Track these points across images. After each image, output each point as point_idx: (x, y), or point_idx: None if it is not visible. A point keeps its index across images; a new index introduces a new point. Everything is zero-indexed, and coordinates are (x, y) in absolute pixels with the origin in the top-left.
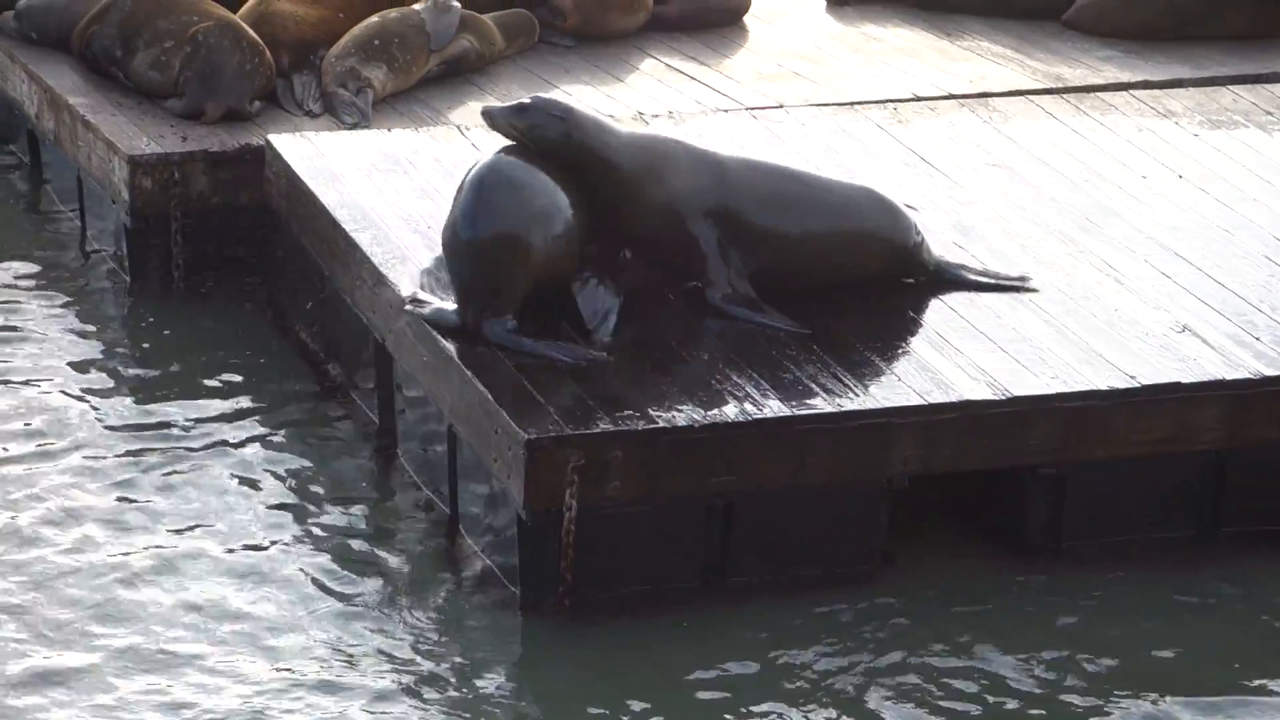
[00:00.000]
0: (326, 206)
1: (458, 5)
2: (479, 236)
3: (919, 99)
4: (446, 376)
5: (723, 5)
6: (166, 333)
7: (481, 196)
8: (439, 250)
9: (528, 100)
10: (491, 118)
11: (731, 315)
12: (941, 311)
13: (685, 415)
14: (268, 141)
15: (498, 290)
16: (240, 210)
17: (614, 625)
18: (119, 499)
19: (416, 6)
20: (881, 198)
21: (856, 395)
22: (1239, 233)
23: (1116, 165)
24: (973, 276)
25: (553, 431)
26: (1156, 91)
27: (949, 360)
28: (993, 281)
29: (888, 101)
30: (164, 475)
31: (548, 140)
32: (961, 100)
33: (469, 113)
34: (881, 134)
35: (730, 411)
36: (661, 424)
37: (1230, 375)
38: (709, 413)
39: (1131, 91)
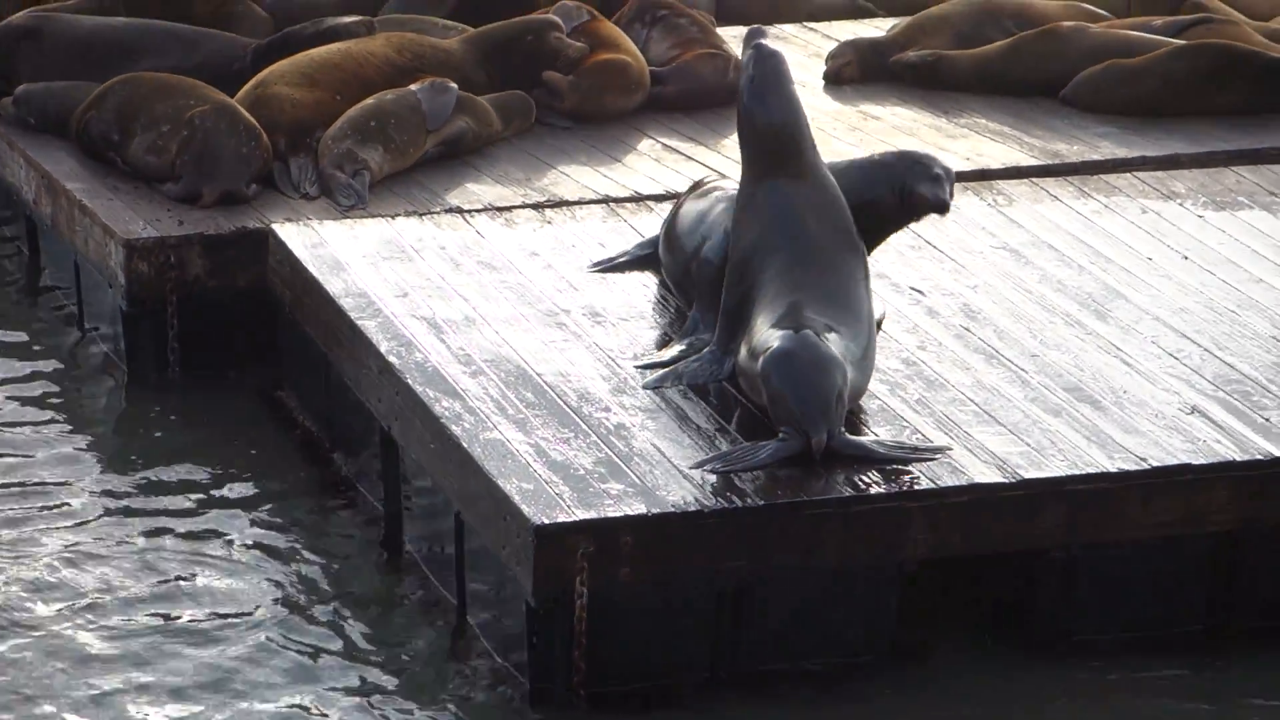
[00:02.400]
0: (332, 295)
1: (454, 86)
2: None
3: None
4: (453, 463)
5: (720, 84)
6: (163, 418)
7: None
8: (446, 336)
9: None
10: None
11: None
12: (950, 394)
13: (696, 499)
14: (271, 230)
15: None
16: (237, 294)
17: (626, 715)
18: (114, 590)
19: (413, 87)
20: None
21: (867, 479)
22: (1246, 313)
23: (1122, 247)
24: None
25: (562, 518)
26: (1160, 173)
27: (959, 443)
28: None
29: None
30: (162, 566)
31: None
32: (965, 183)
33: (467, 194)
34: None
35: (740, 495)
36: (672, 508)
37: (1240, 457)
38: (720, 496)
39: (1135, 173)
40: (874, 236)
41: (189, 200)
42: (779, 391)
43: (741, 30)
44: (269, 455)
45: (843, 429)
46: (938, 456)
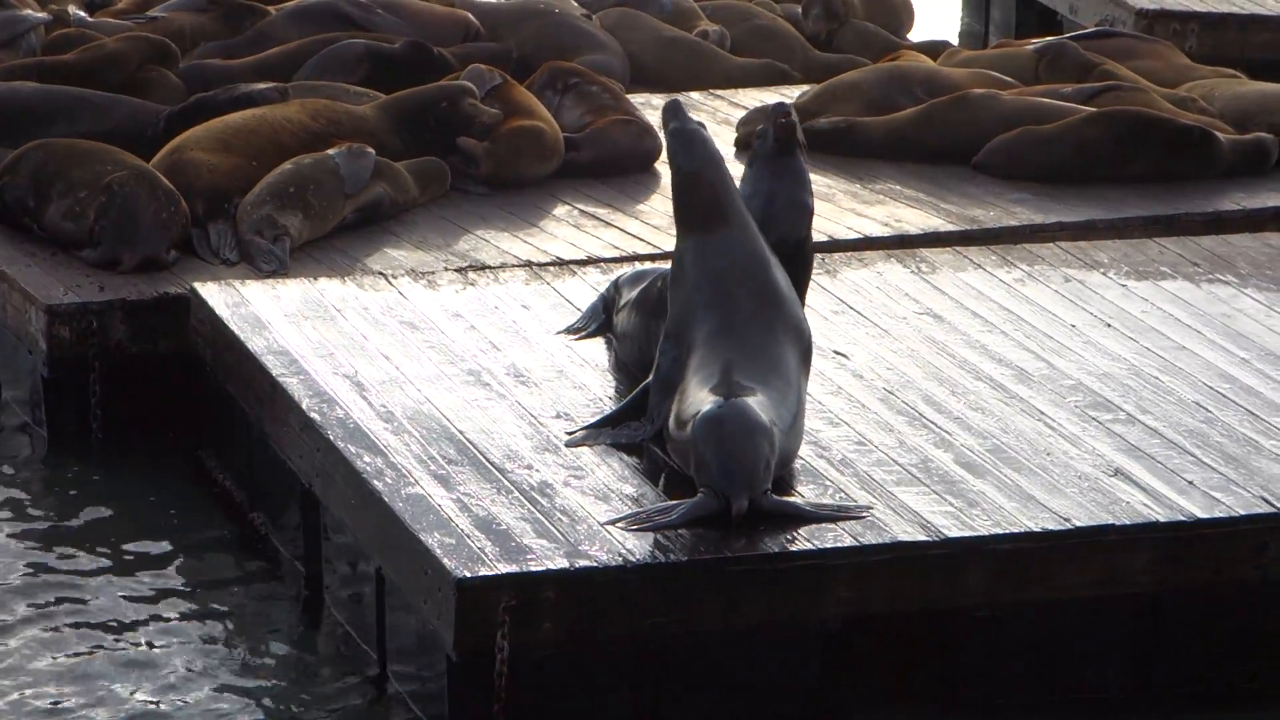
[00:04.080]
0: (253, 352)
1: (372, 151)
2: None
3: (835, 242)
4: (375, 518)
5: (634, 151)
6: (84, 483)
7: None
8: (368, 394)
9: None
10: None
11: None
12: (874, 455)
13: (618, 554)
14: (193, 289)
15: None
16: (159, 360)
17: None
18: (35, 662)
19: (330, 152)
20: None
21: (789, 536)
22: (1169, 379)
23: (1045, 315)
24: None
25: (484, 571)
26: (1083, 243)
27: (882, 503)
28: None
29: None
30: (83, 634)
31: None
32: (888, 250)
33: (387, 260)
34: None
35: (662, 552)
36: (594, 563)
37: (1163, 518)
38: (641, 553)
39: (1058, 243)
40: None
41: (108, 266)
42: (705, 457)
43: (654, 97)
44: (189, 516)
45: (769, 489)
46: (862, 516)
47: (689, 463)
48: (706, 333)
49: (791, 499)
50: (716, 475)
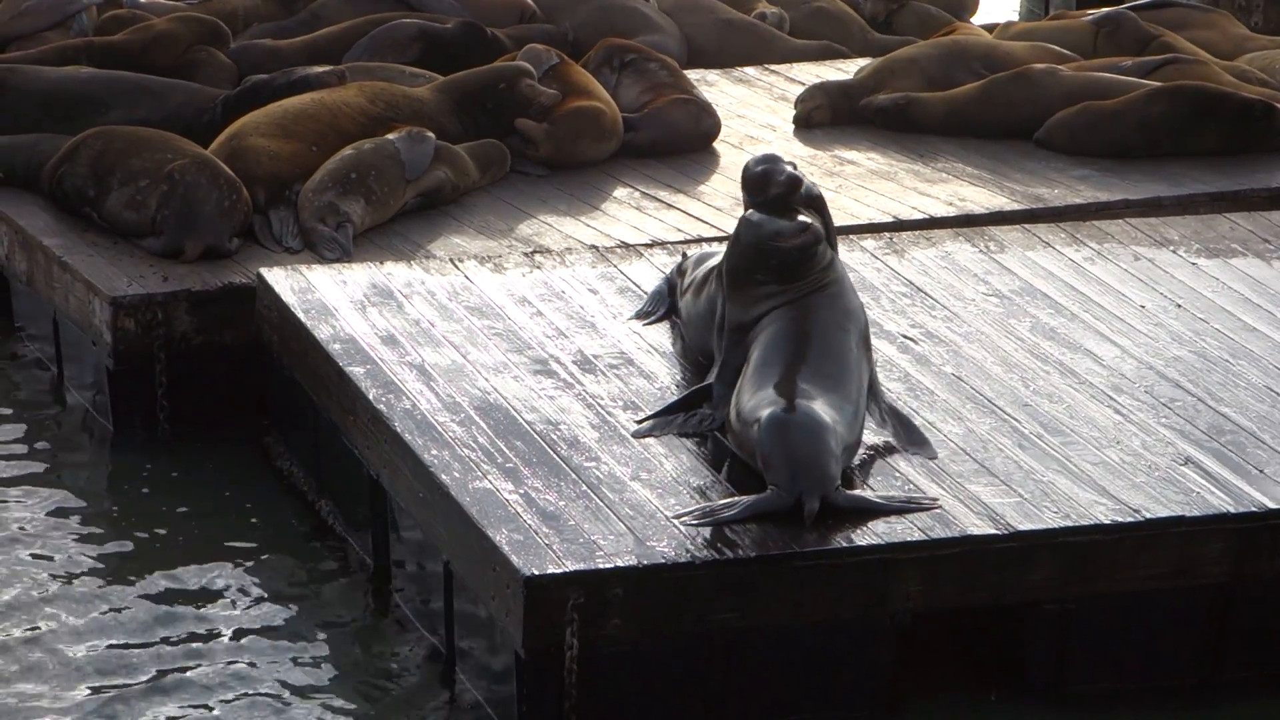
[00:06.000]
0: (320, 340)
1: (432, 135)
2: None
3: (901, 222)
4: (443, 512)
5: (693, 131)
6: (152, 474)
7: None
8: (435, 384)
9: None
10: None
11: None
12: (943, 445)
13: (686, 550)
14: (259, 275)
15: None
16: (224, 350)
17: None
18: (108, 650)
19: (390, 136)
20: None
21: (857, 531)
22: (1240, 363)
23: (1114, 295)
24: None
25: (552, 569)
26: (1153, 220)
27: (951, 494)
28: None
29: (876, 228)
30: (153, 624)
31: None
32: (955, 229)
33: (450, 246)
34: (877, 263)
35: (730, 547)
36: (662, 560)
37: (1234, 509)
38: (710, 548)
39: (1127, 220)
40: None
41: (170, 256)
42: (773, 460)
43: (709, 74)
44: (258, 508)
45: (839, 485)
46: (932, 507)
47: (755, 458)
48: (771, 330)
49: (862, 493)
50: (786, 479)
